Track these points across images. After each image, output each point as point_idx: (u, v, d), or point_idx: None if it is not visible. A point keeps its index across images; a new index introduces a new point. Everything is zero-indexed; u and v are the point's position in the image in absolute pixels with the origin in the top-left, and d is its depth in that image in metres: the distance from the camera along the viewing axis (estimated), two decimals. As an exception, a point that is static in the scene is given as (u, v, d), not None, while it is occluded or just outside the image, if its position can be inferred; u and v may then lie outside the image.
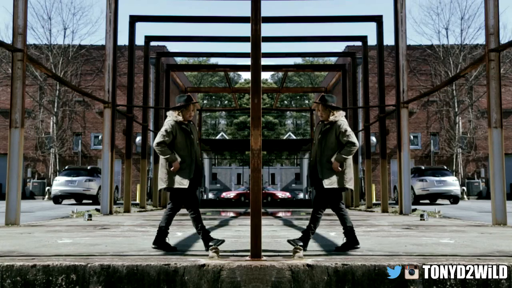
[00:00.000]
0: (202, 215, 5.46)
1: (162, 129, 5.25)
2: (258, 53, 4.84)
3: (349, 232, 5.18)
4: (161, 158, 5.31)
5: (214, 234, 5.86)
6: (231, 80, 42.77)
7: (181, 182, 5.17)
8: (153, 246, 5.17)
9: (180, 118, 5.29)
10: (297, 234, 5.79)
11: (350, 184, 5.18)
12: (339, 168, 5.12)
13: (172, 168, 5.18)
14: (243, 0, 11.41)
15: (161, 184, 5.27)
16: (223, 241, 5.20)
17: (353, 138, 5.14)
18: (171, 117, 5.30)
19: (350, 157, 5.21)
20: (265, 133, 53.42)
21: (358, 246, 5.13)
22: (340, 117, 5.24)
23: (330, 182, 5.12)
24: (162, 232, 5.19)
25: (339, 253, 4.88)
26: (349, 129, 5.19)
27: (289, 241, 5.13)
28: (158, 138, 5.22)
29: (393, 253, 4.82)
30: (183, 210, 5.55)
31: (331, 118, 5.24)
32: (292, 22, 19.85)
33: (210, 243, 5.07)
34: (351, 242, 5.15)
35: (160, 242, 5.17)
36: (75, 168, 22.98)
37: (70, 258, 4.43)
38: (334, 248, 5.21)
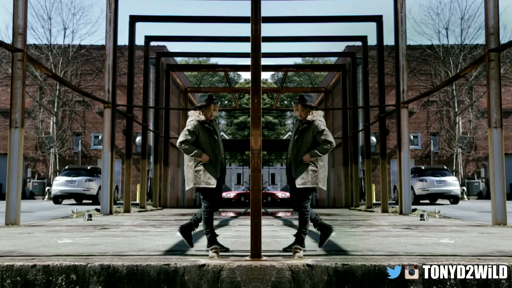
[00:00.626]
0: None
1: (185, 129, 5.26)
2: (258, 53, 4.84)
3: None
4: (186, 158, 5.29)
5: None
6: (231, 80, 42.75)
7: (208, 182, 5.16)
8: (178, 229, 5.18)
9: (202, 117, 5.28)
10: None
11: (322, 184, 5.18)
12: (309, 162, 5.13)
13: (202, 162, 5.17)
14: (243, 0, 11.40)
15: (188, 184, 5.26)
16: (227, 249, 5.12)
17: (330, 138, 5.18)
18: (193, 117, 5.30)
19: (326, 156, 5.23)
20: (265, 133, 53.39)
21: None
22: (318, 117, 5.26)
23: (303, 182, 5.12)
24: (194, 222, 5.18)
25: (339, 253, 4.88)
26: (326, 129, 5.23)
27: (284, 249, 5.07)
28: (181, 138, 5.23)
29: (393, 253, 4.82)
30: (183, 211, 5.53)
31: (309, 117, 5.25)
32: (292, 22, 19.86)
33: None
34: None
35: (186, 230, 5.15)
36: (75, 168, 22.97)
37: (70, 258, 4.43)
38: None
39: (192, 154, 5.19)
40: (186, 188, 5.37)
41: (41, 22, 36.27)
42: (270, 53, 21.62)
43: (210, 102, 5.31)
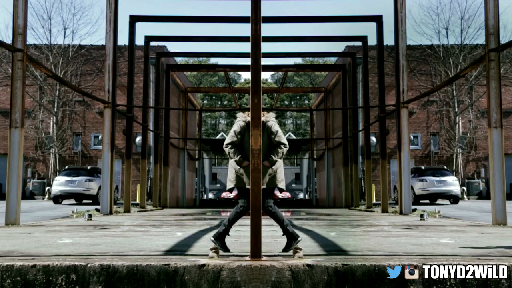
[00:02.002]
0: (202, 215, 5.43)
1: (232, 130, 5.33)
2: (258, 53, 4.84)
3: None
4: (230, 159, 5.34)
5: (211, 234, 5.84)
6: (231, 80, 42.76)
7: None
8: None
9: (249, 118, 5.28)
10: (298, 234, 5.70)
11: (282, 184, 5.25)
12: (270, 166, 5.16)
13: (243, 164, 5.17)
14: (243, 0, 11.40)
15: (229, 184, 5.31)
16: (228, 249, 5.04)
17: (283, 139, 5.26)
18: (241, 118, 5.37)
19: (281, 159, 5.30)
20: (265, 133, 53.32)
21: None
22: (270, 118, 5.34)
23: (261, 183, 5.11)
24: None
25: (339, 253, 4.89)
26: (279, 130, 5.30)
27: (284, 250, 5.04)
28: (228, 140, 5.29)
29: (393, 253, 4.82)
30: (183, 211, 5.53)
31: (262, 119, 5.27)
32: (292, 22, 19.89)
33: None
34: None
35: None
36: (75, 168, 22.97)
37: (70, 258, 4.43)
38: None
39: (234, 159, 5.21)
40: (227, 189, 5.43)
41: (41, 22, 36.21)
42: (270, 53, 21.63)
43: None
